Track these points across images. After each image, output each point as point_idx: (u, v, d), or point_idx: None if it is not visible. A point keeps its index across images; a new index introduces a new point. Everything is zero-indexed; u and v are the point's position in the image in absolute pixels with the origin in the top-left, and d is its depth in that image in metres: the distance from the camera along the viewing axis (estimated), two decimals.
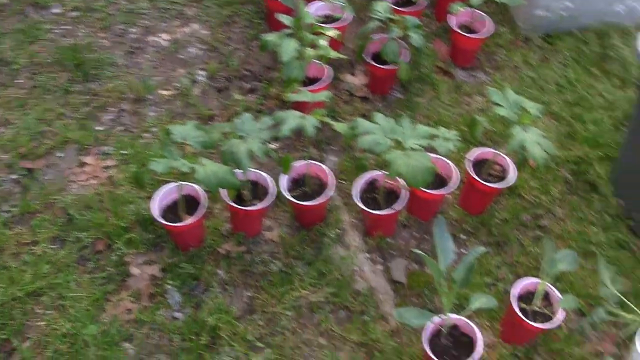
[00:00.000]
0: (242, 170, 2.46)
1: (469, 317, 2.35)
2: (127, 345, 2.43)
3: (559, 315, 2.40)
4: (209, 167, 2.39)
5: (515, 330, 2.49)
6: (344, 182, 2.97)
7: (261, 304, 2.56)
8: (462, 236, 2.86)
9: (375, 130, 2.50)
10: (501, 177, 2.82)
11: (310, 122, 2.56)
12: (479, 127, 2.68)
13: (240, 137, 2.50)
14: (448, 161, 2.80)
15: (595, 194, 3.01)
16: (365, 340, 2.50)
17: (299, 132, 2.77)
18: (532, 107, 2.64)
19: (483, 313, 2.59)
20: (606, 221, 2.92)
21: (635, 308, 2.33)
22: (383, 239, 2.79)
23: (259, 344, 2.46)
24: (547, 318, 2.42)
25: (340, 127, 2.62)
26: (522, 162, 2.64)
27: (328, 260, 2.69)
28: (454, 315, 2.36)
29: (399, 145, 2.47)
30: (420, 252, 2.34)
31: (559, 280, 2.65)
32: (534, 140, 2.54)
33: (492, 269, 2.75)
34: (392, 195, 2.74)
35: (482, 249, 2.27)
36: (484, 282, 2.70)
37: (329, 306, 2.59)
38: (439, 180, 2.81)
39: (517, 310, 2.41)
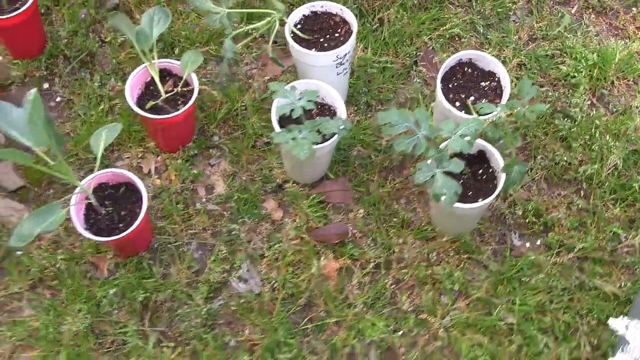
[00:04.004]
0: None
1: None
2: None
3: (194, 83, 1.88)
4: None
5: (162, 134, 1.94)
6: None
7: None
8: None
9: None
10: None
11: None
12: None
13: None
14: None
15: None
16: None
17: None
18: None
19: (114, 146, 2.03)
20: None
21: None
22: None
23: None
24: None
25: None
26: None
27: None
28: (89, 178, 1.75)
29: None
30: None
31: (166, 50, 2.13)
32: None
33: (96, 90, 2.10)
34: None
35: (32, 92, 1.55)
36: (100, 111, 2.06)
37: None
38: None
39: (139, 111, 1.85)
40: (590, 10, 2.19)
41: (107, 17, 2.19)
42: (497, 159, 1.70)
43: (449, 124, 1.60)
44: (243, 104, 2.04)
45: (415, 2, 2.17)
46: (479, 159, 1.75)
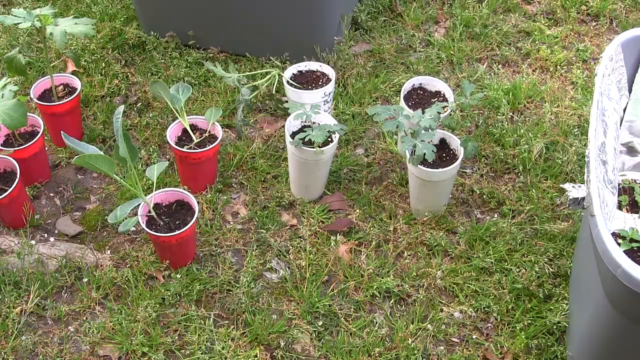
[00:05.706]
0: None
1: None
2: None
3: (217, 133, 2.44)
4: None
5: (195, 169, 2.46)
6: None
7: None
8: None
9: None
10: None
11: None
12: None
13: None
14: None
15: None
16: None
17: None
18: None
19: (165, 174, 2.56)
20: None
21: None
22: None
23: None
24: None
25: None
26: None
27: None
28: (150, 196, 2.23)
29: None
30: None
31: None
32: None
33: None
34: None
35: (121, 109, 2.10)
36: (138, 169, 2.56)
37: None
38: None
39: (181, 150, 2.38)
40: (497, 63, 2.94)
41: (132, 109, 2.79)
42: (456, 141, 2.30)
43: (418, 113, 2.22)
44: (250, 153, 2.61)
45: (369, 69, 2.87)
46: (442, 146, 2.34)
